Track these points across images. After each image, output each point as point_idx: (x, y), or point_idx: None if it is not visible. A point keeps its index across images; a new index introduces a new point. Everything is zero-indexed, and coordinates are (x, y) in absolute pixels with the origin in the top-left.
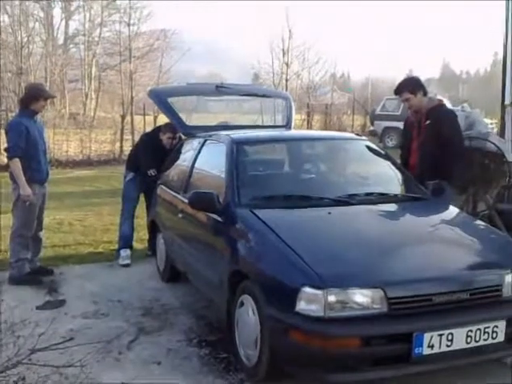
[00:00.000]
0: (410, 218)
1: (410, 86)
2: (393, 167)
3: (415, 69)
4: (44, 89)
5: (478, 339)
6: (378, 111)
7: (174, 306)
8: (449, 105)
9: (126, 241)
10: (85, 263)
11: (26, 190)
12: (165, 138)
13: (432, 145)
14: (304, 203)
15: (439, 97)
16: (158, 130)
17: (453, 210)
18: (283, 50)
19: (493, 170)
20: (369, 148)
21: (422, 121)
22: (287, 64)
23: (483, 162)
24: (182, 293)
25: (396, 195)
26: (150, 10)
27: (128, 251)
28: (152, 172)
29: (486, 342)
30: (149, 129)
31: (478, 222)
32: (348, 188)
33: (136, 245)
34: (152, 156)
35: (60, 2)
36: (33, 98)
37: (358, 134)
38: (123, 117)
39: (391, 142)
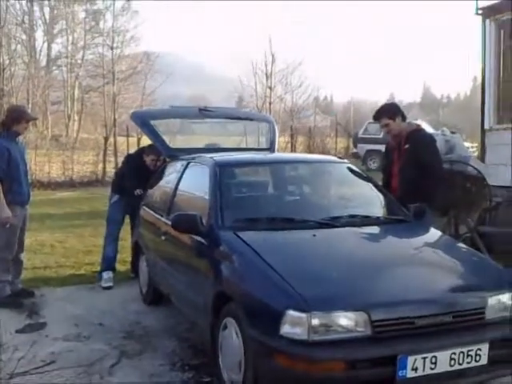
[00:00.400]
0: (393, 241)
1: (389, 111)
2: (375, 190)
3: (396, 93)
4: (26, 111)
5: (461, 362)
6: (360, 134)
7: (157, 328)
8: (429, 129)
9: (109, 263)
10: (66, 285)
11: (5, 212)
12: (148, 159)
13: (411, 168)
14: (288, 225)
15: (419, 121)
16: (141, 151)
17: (435, 233)
18: (266, 74)
19: (474, 193)
20: (351, 171)
21: (402, 145)
22: (270, 88)
23: (464, 185)
24: (165, 315)
25: (379, 218)
26: (133, 34)
27: (110, 273)
28: (138, 191)
29: (469, 365)
30: (132, 150)
31: (460, 244)
32: (331, 210)
33: (119, 267)
34: (137, 176)
35: (42, 25)
36: (15, 120)
37: (340, 157)
38: (106, 138)
39: (374, 165)
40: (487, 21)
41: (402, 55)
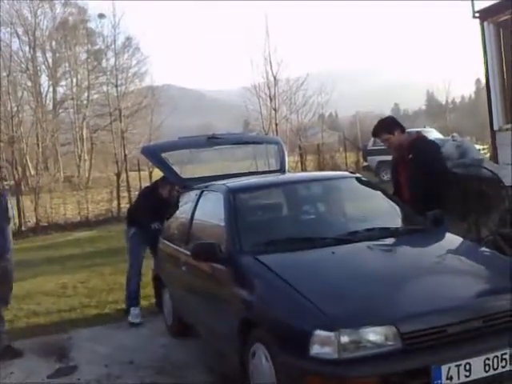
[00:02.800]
0: (413, 251)
1: (386, 126)
2: (390, 201)
3: (401, 102)
4: None
5: (496, 367)
6: (370, 146)
7: (187, 361)
8: (438, 135)
9: (135, 297)
10: (92, 326)
11: None
12: (164, 192)
13: (418, 177)
14: (306, 245)
15: (427, 128)
16: (155, 185)
17: (455, 239)
18: (270, 96)
19: (491, 196)
20: (364, 184)
21: (406, 156)
22: (275, 109)
23: (481, 188)
24: (194, 348)
25: (397, 228)
26: (136, 70)
27: (138, 309)
28: (156, 226)
29: (504, 369)
30: (145, 184)
31: (482, 248)
32: (348, 226)
33: (142, 302)
34: (153, 209)
35: (46, 70)
36: None
37: (351, 172)
38: (118, 175)
39: (386, 176)
40: (485, 23)
41: (402, 64)
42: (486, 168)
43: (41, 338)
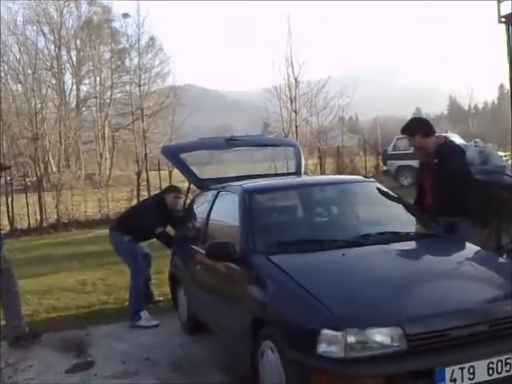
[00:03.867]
0: (423, 255)
1: (408, 129)
2: (402, 206)
3: (423, 107)
4: None
5: (500, 371)
6: (390, 151)
7: (203, 360)
8: (460, 140)
9: (140, 301)
10: (111, 323)
11: None
12: (170, 198)
13: (443, 182)
14: (318, 246)
15: (449, 133)
16: (161, 193)
17: (466, 245)
18: (290, 98)
19: None
20: (378, 189)
21: (431, 160)
22: (295, 111)
23: (502, 195)
24: (210, 346)
25: (408, 233)
26: (159, 70)
27: (146, 313)
28: (160, 229)
29: (508, 373)
30: (165, 184)
31: (491, 254)
32: (360, 229)
33: (160, 300)
34: (159, 217)
35: (70, 68)
36: None
37: (366, 176)
38: (139, 174)
39: (406, 181)
40: (511, 27)
41: (424, 67)
42: (508, 175)
43: (59, 333)
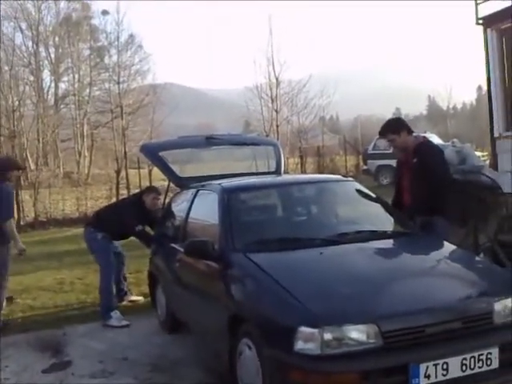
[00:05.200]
0: (399, 253)
1: (393, 127)
2: (380, 205)
3: (402, 107)
4: (17, 161)
5: (473, 367)
6: (370, 150)
7: (182, 359)
8: (438, 140)
9: (111, 299)
10: (88, 322)
11: (20, 244)
12: (149, 199)
13: (421, 181)
14: (296, 245)
15: (428, 133)
16: (140, 194)
17: (442, 243)
18: (271, 97)
19: (490, 203)
20: (356, 188)
21: (410, 159)
22: (276, 111)
23: (480, 194)
24: (188, 345)
25: (385, 232)
26: (139, 68)
27: (118, 312)
28: (140, 227)
29: (481, 370)
30: (144, 182)
31: (466, 252)
32: (338, 227)
33: (139, 298)
34: (137, 217)
35: (49, 65)
36: (8, 168)
37: (344, 176)
38: (118, 172)
39: (386, 180)
40: (489, 30)
41: (404, 68)
42: (485, 175)
43: (36, 332)
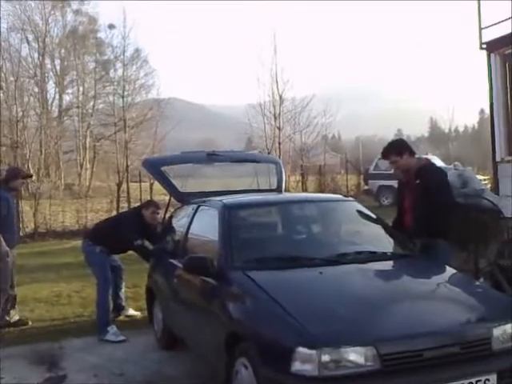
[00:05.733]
0: (399, 275)
1: (396, 148)
2: (380, 226)
3: (404, 128)
4: (22, 169)
5: None
6: (371, 170)
7: (178, 376)
8: (440, 163)
9: (107, 315)
10: (85, 336)
11: (4, 247)
12: (148, 213)
13: (424, 203)
14: (296, 264)
15: (429, 155)
16: (139, 208)
17: (441, 267)
18: (274, 115)
19: (491, 227)
20: (356, 209)
21: (412, 180)
22: (279, 128)
23: (480, 219)
24: (185, 362)
25: (385, 253)
26: (143, 82)
27: (115, 327)
28: (139, 241)
29: None
30: (145, 196)
31: (465, 277)
32: (338, 248)
33: (137, 313)
34: (136, 230)
35: (54, 77)
36: (13, 177)
37: (345, 196)
38: (119, 185)
39: (387, 201)
40: (492, 55)
41: (407, 89)
42: (486, 199)
43: (32, 345)
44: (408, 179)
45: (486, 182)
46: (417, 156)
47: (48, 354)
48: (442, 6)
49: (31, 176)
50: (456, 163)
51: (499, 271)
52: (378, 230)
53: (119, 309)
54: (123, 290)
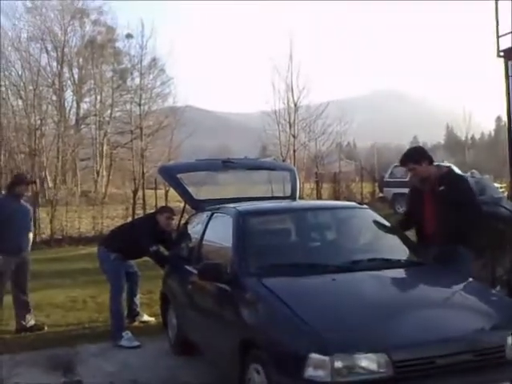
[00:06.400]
0: (412, 283)
1: (415, 156)
2: (394, 234)
3: (420, 135)
4: (26, 176)
5: None
6: (386, 178)
7: (192, 382)
8: (457, 170)
9: (121, 319)
10: (100, 342)
11: None
12: (163, 218)
13: (450, 210)
14: (309, 270)
15: (446, 163)
16: (154, 213)
17: (454, 274)
18: (289, 122)
19: (508, 235)
20: (370, 216)
21: (435, 188)
22: (294, 136)
23: (497, 227)
24: (200, 369)
25: (398, 261)
26: (160, 91)
27: (130, 333)
28: (155, 247)
29: None
30: (160, 203)
31: (481, 284)
32: (351, 255)
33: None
34: (151, 236)
35: (72, 86)
36: (16, 183)
37: (359, 203)
38: (135, 192)
39: (401, 209)
40: (510, 62)
41: (423, 96)
42: (504, 207)
43: (48, 350)
44: (429, 187)
45: (502, 189)
46: (436, 163)
47: (63, 359)
48: (460, 13)
49: (35, 182)
50: (473, 171)
51: None
52: (391, 237)
53: (134, 314)
54: (138, 296)
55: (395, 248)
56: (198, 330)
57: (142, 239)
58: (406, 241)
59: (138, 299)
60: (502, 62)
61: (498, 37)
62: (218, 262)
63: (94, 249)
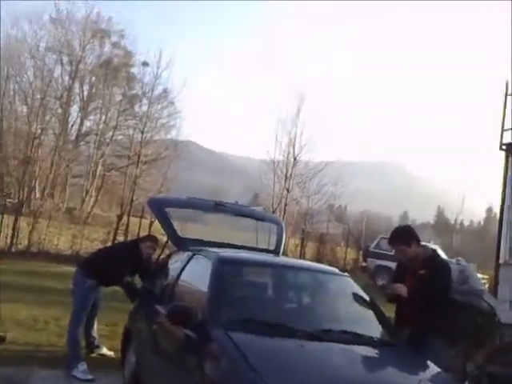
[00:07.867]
0: (381, 365)
1: (405, 237)
2: (370, 308)
3: (411, 211)
4: None
5: None
6: (371, 248)
7: None
8: (442, 254)
9: (78, 349)
10: (55, 368)
11: None
12: (145, 246)
13: (425, 294)
14: (278, 332)
15: (432, 244)
16: (137, 240)
17: (424, 363)
18: (286, 175)
19: (484, 330)
20: (350, 286)
21: (417, 269)
22: (288, 190)
23: (475, 319)
24: None
25: (370, 337)
26: (165, 122)
27: (85, 364)
28: (128, 279)
29: None
30: (143, 233)
31: (449, 377)
32: (324, 323)
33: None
34: (129, 264)
35: (79, 101)
36: None
37: (341, 270)
38: (120, 217)
39: (382, 282)
40: (510, 157)
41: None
42: (484, 300)
43: (1, 368)
44: (412, 267)
45: (484, 281)
46: (422, 243)
47: (14, 381)
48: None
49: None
50: (459, 258)
51: (487, 378)
52: (367, 312)
53: (93, 346)
54: (95, 327)
55: (369, 324)
56: (155, 375)
57: (119, 265)
58: (381, 318)
59: (94, 331)
60: (503, 155)
61: (502, 130)
62: (188, 305)
63: (68, 268)
